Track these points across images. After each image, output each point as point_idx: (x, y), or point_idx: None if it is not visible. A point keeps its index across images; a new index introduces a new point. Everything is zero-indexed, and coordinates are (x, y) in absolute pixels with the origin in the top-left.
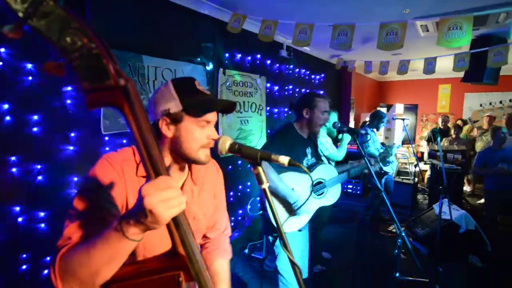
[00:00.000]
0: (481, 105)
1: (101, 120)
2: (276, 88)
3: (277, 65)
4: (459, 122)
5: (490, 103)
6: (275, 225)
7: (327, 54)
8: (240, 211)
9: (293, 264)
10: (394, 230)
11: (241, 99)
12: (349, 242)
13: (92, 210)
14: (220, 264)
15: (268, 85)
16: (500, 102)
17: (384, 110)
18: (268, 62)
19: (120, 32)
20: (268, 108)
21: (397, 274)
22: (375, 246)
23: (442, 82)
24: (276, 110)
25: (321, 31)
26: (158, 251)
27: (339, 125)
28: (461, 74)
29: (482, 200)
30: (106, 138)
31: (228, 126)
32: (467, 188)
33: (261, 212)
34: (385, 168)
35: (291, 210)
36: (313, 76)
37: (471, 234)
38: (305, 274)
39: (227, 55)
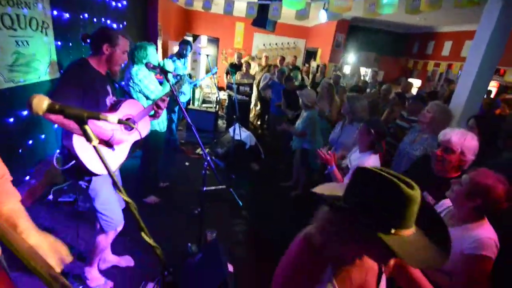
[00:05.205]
0: (264, 45)
1: None
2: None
3: None
4: (248, 59)
5: (270, 44)
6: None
7: None
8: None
9: (127, 203)
10: (200, 153)
11: (11, 10)
12: (171, 166)
13: None
14: (9, 208)
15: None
16: (276, 44)
17: (190, 39)
18: None
19: None
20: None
21: (204, 188)
22: (188, 168)
23: (238, 20)
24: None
25: None
26: None
27: (151, 66)
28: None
29: (259, 122)
30: None
31: None
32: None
33: (73, 162)
34: (180, 98)
35: (109, 145)
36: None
37: (253, 148)
38: (122, 205)
39: None
